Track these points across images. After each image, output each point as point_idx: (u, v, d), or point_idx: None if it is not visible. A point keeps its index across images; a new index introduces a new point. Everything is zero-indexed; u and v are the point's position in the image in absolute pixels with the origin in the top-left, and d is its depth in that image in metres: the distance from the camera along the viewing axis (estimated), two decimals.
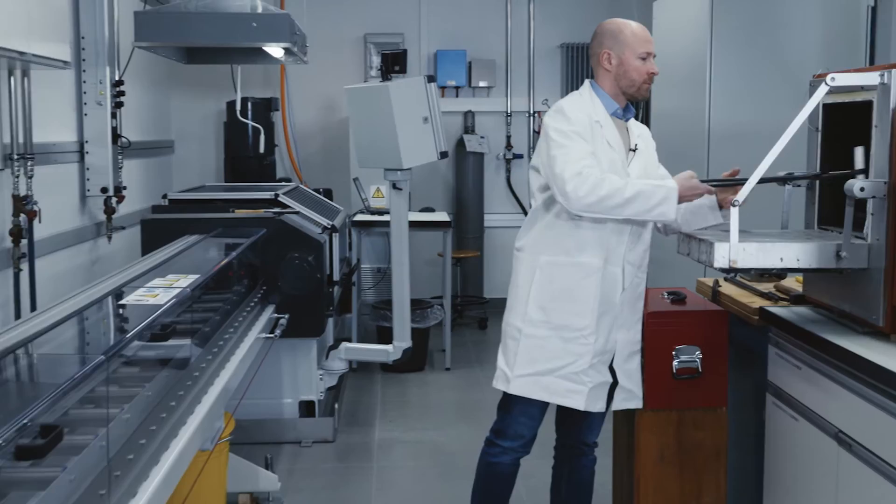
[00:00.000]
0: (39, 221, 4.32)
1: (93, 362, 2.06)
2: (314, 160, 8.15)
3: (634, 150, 3.23)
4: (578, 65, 8.27)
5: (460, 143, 8.12)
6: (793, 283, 3.34)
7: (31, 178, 4.28)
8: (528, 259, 3.25)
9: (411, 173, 4.84)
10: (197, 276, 3.18)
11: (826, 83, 2.72)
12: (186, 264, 3.71)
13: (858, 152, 2.76)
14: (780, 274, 3.40)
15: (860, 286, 2.74)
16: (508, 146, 8.36)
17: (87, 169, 5.18)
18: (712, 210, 3.17)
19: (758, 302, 3.26)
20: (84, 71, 5.15)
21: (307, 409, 5.13)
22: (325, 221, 5.03)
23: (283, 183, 6.36)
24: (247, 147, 7.03)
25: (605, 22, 3.24)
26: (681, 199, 3.00)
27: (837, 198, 2.79)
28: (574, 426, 3.45)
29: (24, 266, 4.26)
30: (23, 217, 4.19)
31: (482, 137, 8.17)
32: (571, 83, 8.21)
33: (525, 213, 7.25)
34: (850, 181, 2.64)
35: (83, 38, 5.13)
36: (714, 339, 3.33)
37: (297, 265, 4.63)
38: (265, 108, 7.13)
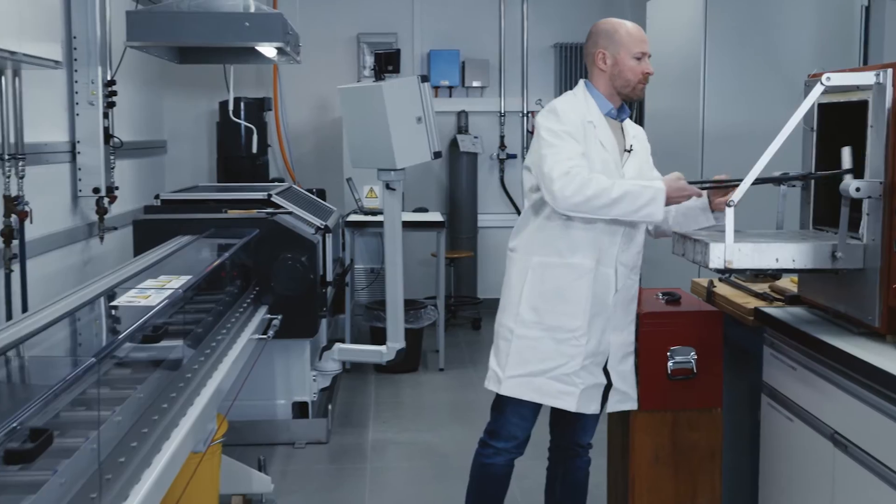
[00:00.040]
0: (31, 222, 4.30)
1: (83, 365, 2.05)
2: (307, 160, 8.14)
3: (629, 151, 3.22)
4: (572, 65, 8.27)
5: (454, 144, 8.11)
6: (788, 284, 3.33)
7: (22, 178, 4.26)
8: (521, 260, 3.24)
9: (405, 173, 4.83)
10: (189, 277, 3.17)
11: (822, 83, 2.71)
12: (179, 265, 3.70)
13: (845, 152, 2.75)
14: (775, 274, 3.40)
15: (856, 287, 2.73)
16: (502, 146, 8.36)
17: (79, 169, 5.16)
18: (704, 212, 3.17)
19: (753, 302, 3.25)
20: (76, 71, 5.13)
21: (300, 410, 5.12)
22: (318, 222, 5.02)
23: (276, 183, 6.33)
24: (240, 147, 7.02)
25: (601, 21, 3.23)
26: (668, 201, 2.99)
27: (832, 198, 2.78)
28: (568, 427, 3.44)
29: (16, 267, 4.24)
30: (14, 218, 4.17)
31: (476, 137, 8.16)
32: (565, 83, 8.21)
33: (519, 213, 7.23)
34: (846, 181, 2.64)
35: (75, 37, 5.11)
36: (709, 340, 3.32)
37: (290, 266, 4.61)
38: (258, 108, 7.12)
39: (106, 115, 5.24)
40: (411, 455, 5.00)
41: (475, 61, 8.21)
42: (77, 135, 5.16)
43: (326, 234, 4.99)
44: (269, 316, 4.35)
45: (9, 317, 4.14)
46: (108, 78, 5.28)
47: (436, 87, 7.97)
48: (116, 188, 5.36)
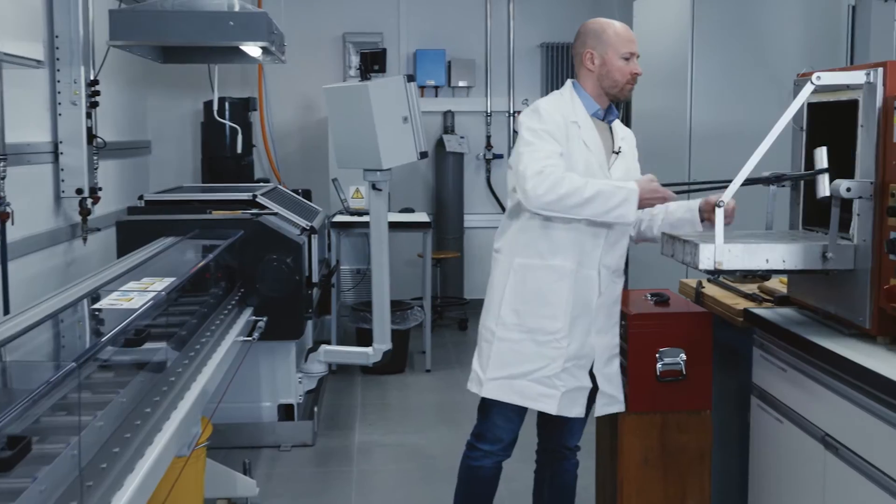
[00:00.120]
0: (12, 223, 4.26)
1: (63, 369, 2.01)
2: (292, 160, 8.10)
3: (618, 153, 3.20)
4: (558, 64, 8.26)
5: (440, 144, 8.09)
6: (777, 285, 3.31)
7: (3, 178, 4.20)
8: (504, 261, 3.22)
9: (391, 174, 4.80)
10: (173, 279, 3.14)
11: (812, 82, 2.69)
12: (163, 267, 3.66)
13: (819, 152, 2.74)
14: (765, 275, 3.38)
15: (846, 287, 2.72)
16: (488, 146, 8.34)
17: (62, 170, 5.11)
18: (692, 224, 3.16)
19: (742, 303, 3.24)
20: (58, 70, 5.07)
21: (286, 412, 5.08)
22: (303, 223, 4.99)
23: (262, 184, 6.30)
24: (224, 147, 6.98)
25: (589, 21, 3.21)
26: (641, 203, 2.97)
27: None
28: (555, 430, 3.41)
29: None
30: None
31: (462, 137, 8.14)
32: (551, 83, 8.20)
33: None
34: (837, 181, 2.62)
35: (57, 36, 5.05)
36: (698, 342, 3.30)
37: (275, 267, 4.58)
38: (243, 108, 7.08)
39: (89, 116, 5.18)
40: (398, 457, 4.97)
41: (461, 61, 8.20)
42: (59, 135, 5.10)
43: (312, 235, 4.96)
44: (254, 318, 4.33)
45: None
46: (91, 78, 5.23)
47: (422, 87, 7.94)
48: (100, 189, 5.31)
